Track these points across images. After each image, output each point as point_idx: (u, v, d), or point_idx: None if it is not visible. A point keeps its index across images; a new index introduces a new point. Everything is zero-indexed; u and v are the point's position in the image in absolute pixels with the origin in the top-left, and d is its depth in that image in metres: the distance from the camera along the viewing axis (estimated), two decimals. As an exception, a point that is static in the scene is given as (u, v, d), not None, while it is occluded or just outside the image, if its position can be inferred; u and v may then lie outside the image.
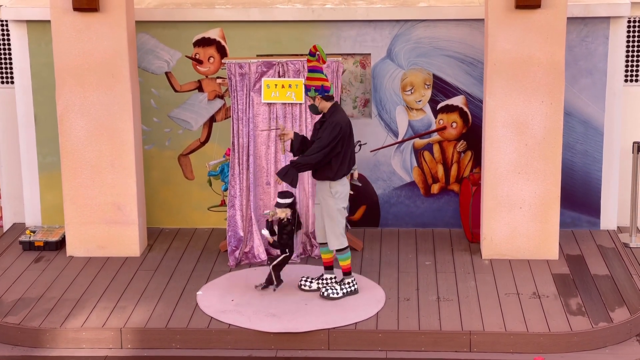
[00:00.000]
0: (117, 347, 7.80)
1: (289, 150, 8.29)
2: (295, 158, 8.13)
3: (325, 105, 8.09)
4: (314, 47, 8.03)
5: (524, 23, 8.67)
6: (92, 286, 8.66)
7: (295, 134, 8.22)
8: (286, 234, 8.23)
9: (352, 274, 8.40)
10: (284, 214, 8.16)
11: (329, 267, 8.42)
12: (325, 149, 7.99)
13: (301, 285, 8.39)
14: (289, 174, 8.03)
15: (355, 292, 8.33)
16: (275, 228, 8.25)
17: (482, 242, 9.20)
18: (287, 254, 8.28)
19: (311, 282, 8.38)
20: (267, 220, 8.27)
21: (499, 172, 8.97)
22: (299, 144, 8.18)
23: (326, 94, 8.02)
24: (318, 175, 8.16)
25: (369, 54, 9.74)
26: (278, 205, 8.18)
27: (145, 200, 9.81)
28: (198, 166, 10.01)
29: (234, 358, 7.62)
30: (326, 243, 8.27)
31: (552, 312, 7.99)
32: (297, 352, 7.67)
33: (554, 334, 7.65)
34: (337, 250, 8.24)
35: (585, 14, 9.40)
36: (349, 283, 8.30)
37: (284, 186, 8.59)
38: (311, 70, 8.06)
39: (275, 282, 8.33)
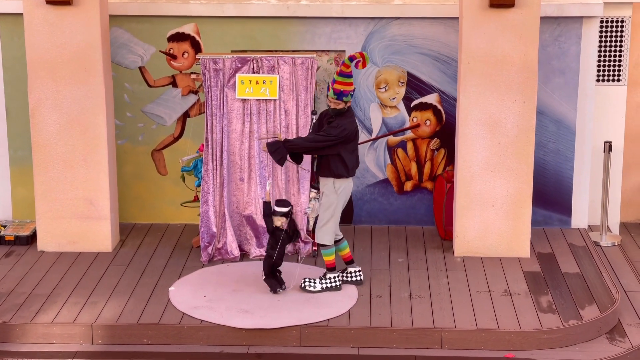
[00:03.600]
0: (88, 342, 7.76)
1: (289, 159, 8.25)
2: (292, 139, 8.13)
3: (343, 107, 8.09)
4: (361, 54, 7.99)
5: (498, 22, 8.71)
6: (63, 281, 8.61)
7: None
8: (276, 240, 8.16)
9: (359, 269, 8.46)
10: (279, 222, 8.11)
11: (349, 262, 8.43)
12: (322, 142, 8.00)
13: (305, 286, 8.31)
14: (278, 151, 8.01)
15: (338, 288, 8.32)
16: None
17: (454, 239, 9.23)
18: (272, 259, 8.18)
19: (314, 282, 8.35)
20: (278, 228, 8.16)
21: (472, 170, 9.01)
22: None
23: (351, 98, 8.08)
24: (323, 172, 8.18)
25: (344, 51, 9.75)
26: (274, 213, 8.09)
27: (118, 195, 9.76)
28: (171, 161, 9.98)
29: (206, 354, 7.61)
30: (328, 245, 8.23)
31: (523, 310, 8.04)
32: (269, 348, 7.67)
33: (525, 331, 7.70)
34: (323, 245, 8.24)
35: (558, 13, 9.46)
36: (330, 278, 8.32)
37: (268, 193, 8.48)
38: (346, 75, 7.96)
39: (280, 286, 8.24)
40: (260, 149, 9.06)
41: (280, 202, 8.18)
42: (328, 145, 8.03)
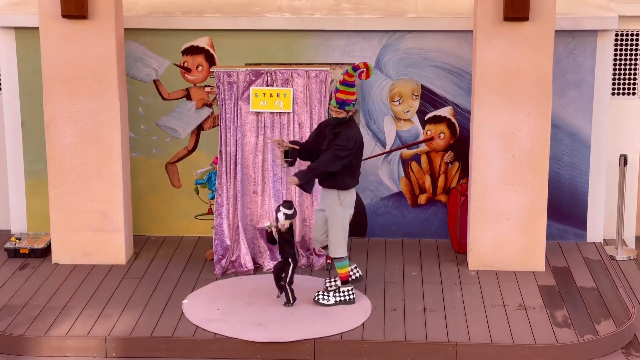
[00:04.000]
0: (102, 355, 7.76)
1: (285, 160, 8.25)
2: (312, 164, 8.10)
3: (345, 117, 8.08)
4: (365, 64, 7.97)
5: (512, 35, 8.69)
6: (77, 294, 8.62)
7: (293, 142, 8.19)
8: (286, 243, 8.17)
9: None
10: (287, 223, 8.11)
11: (345, 282, 8.33)
12: (341, 159, 7.99)
13: (318, 299, 8.29)
14: (306, 180, 7.99)
15: (351, 302, 8.29)
16: (276, 237, 8.18)
17: (468, 253, 9.20)
18: (292, 264, 8.20)
19: (329, 295, 8.31)
20: (266, 232, 8.21)
21: (486, 183, 8.98)
22: (296, 153, 8.17)
23: (354, 107, 8.06)
24: (326, 184, 8.17)
25: (358, 64, 9.75)
26: (287, 216, 8.06)
27: (132, 208, 9.78)
28: (185, 174, 10.00)
29: (219, 367, 7.61)
30: (342, 257, 8.21)
31: (538, 324, 7.99)
32: (283, 362, 7.66)
33: (540, 345, 7.65)
34: (336, 259, 8.22)
35: (573, 26, 9.44)
36: (344, 292, 8.29)
37: (281, 196, 8.49)
38: (349, 85, 7.96)
39: (290, 300, 8.22)
40: (275, 161, 9.07)
41: (287, 204, 8.12)
42: (348, 158, 8.02)
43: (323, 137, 8.19)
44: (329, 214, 8.18)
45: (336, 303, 8.25)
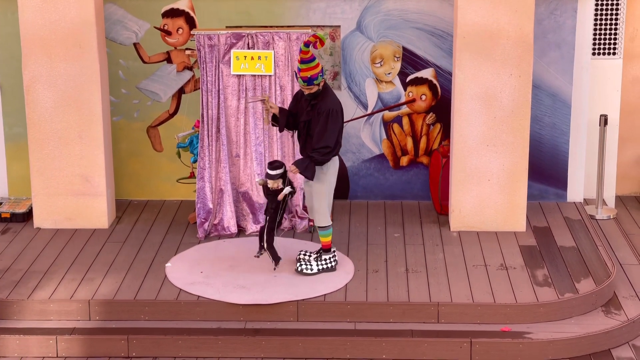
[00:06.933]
0: (85, 318, 7.78)
1: (272, 122, 8.21)
2: (312, 153, 8.00)
3: (318, 89, 8.00)
4: (314, 36, 7.87)
5: (493, -4, 8.68)
6: (60, 258, 8.62)
7: (280, 108, 8.15)
8: (273, 204, 8.07)
9: (333, 250, 8.37)
10: (275, 184, 8.06)
11: (327, 250, 8.32)
12: (336, 138, 7.97)
13: (302, 269, 8.22)
14: (308, 169, 7.99)
15: (333, 269, 8.30)
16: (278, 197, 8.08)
17: (450, 214, 9.25)
18: (268, 223, 8.09)
19: (311, 265, 8.29)
20: (263, 187, 8.15)
21: (468, 144, 9.00)
22: (284, 118, 8.13)
23: (322, 77, 7.97)
24: (308, 153, 8.12)
25: (339, 26, 9.71)
26: (269, 176, 8.03)
27: (114, 172, 9.75)
28: (167, 138, 9.96)
29: (203, 330, 7.63)
30: (326, 226, 8.20)
31: (519, 283, 8.07)
32: (266, 324, 7.69)
33: (521, 304, 7.73)
34: (321, 227, 8.23)
35: (554, -13, 9.43)
36: (326, 259, 8.30)
37: (263, 158, 8.42)
38: (307, 61, 7.86)
39: (274, 261, 8.18)
40: (256, 124, 9.05)
41: (272, 164, 8.04)
42: (338, 135, 7.98)
43: (301, 107, 8.14)
44: (313, 183, 8.16)
45: (319, 271, 8.25)
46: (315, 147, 7.98)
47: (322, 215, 8.19)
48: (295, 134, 8.34)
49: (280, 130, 8.24)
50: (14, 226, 9.39)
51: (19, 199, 9.87)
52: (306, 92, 8.00)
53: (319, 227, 8.25)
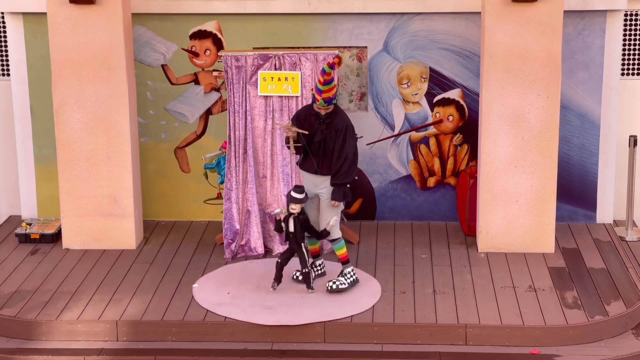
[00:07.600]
0: (113, 339, 7.80)
1: (295, 147, 8.25)
2: (336, 179, 8.12)
3: (332, 109, 8.18)
4: (337, 57, 7.98)
5: (520, 16, 8.66)
6: (88, 279, 8.66)
7: (304, 131, 8.21)
8: (302, 227, 8.15)
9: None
10: (298, 207, 8.10)
11: (345, 262, 8.35)
12: (354, 156, 8.13)
13: (337, 287, 8.23)
14: (346, 194, 8.14)
15: (357, 281, 8.33)
16: (290, 223, 8.12)
17: (478, 235, 9.20)
18: (304, 249, 8.19)
19: (344, 281, 8.30)
20: (276, 219, 8.21)
21: (496, 165, 8.97)
22: (307, 139, 8.20)
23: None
24: (323, 171, 8.18)
25: (366, 47, 9.73)
26: (293, 199, 8.07)
27: (142, 192, 9.80)
28: (194, 159, 10.01)
29: (229, 351, 7.62)
30: (337, 239, 8.24)
31: (548, 305, 8.00)
32: (293, 345, 7.67)
33: (550, 327, 7.65)
34: (333, 240, 8.24)
35: (582, 7, 9.39)
36: (349, 273, 8.31)
37: (290, 180, 8.48)
38: (329, 82, 7.98)
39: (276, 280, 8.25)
40: (284, 145, 9.07)
41: (297, 188, 8.13)
42: (355, 151, 8.16)
43: (310, 127, 8.18)
44: (325, 197, 8.19)
45: (350, 285, 8.26)
46: (337, 168, 8.07)
47: (335, 227, 8.21)
48: (299, 157, 8.40)
49: (299, 152, 8.31)
50: (43, 247, 9.45)
51: (48, 220, 9.94)
52: (323, 112, 8.11)
53: (332, 240, 8.25)
